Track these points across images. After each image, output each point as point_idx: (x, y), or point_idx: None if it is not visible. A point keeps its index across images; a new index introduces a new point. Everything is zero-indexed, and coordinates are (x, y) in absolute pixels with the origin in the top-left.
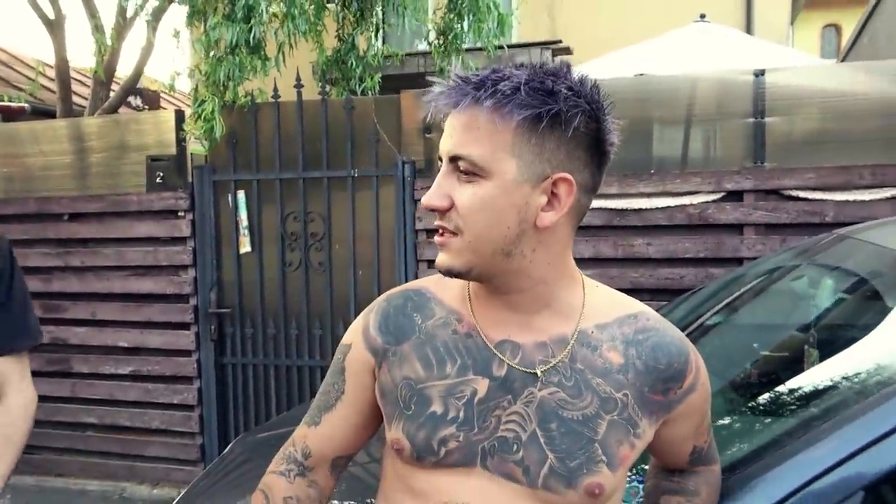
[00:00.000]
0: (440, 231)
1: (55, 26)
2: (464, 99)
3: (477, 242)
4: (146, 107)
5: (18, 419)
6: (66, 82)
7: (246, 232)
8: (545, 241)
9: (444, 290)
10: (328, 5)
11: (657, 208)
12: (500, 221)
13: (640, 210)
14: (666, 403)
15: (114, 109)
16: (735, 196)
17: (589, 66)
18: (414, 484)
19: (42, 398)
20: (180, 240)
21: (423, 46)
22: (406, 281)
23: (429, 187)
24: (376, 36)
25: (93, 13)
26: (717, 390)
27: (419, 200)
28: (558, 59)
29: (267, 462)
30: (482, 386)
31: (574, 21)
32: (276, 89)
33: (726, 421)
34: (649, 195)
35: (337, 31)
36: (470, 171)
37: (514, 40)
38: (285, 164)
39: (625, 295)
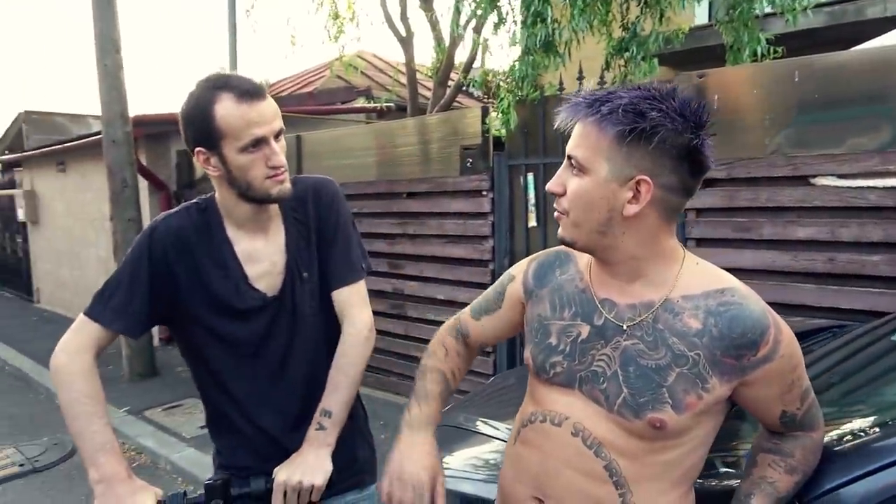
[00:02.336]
0: (555, 209)
1: (406, 41)
2: (578, 115)
3: (578, 221)
4: (486, 97)
5: (350, 347)
6: (414, 86)
7: (533, 209)
8: (633, 228)
9: (582, 255)
10: None
11: None
12: (592, 208)
13: None
14: (739, 367)
15: (448, 105)
16: None
17: None
18: (535, 393)
19: (386, 333)
20: (482, 215)
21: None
22: None
23: None
24: (660, 20)
25: (433, 26)
26: None
27: None
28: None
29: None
30: (585, 330)
31: None
32: (561, 82)
33: None
34: None
35: (622, 20)
36: (577, 167)
37: None
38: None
39: (724, 273)
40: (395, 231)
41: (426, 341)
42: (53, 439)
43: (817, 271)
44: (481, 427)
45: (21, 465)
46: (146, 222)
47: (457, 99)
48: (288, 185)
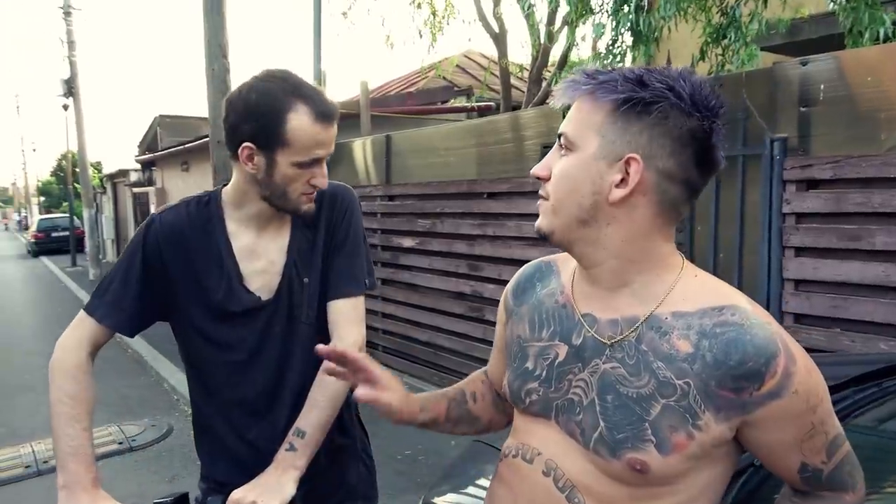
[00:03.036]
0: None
1: (499, 38)
2: (575, 91)
3: (558, 206)
4: None
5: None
6: (507, 84)
7: None
8: (620, 219)
9: (566, 266)
10: None
11: None
12: (575, 190)
13: None
14: (739, 403)
15: (542, 102)
16: None
17: None
18: (515, 423)
19: (465, 337)
20: None
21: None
22: (769, 267)
23: (801, 166)
24: (765, 4)
25: (528, 19)
26: None
27: (788, 181)
28: None
29: None
30: (563, 351)
31: None
32: None
33: None
34: None
35: (721, 5)
36: (565, 146)
37: None
38: None
39: (728, 288)
40: (475, 232)
41: None
42: (152, 421)
43: None
44: None
45: (120, 444)
46: None
47: (548, 96)
48: (314, 205)
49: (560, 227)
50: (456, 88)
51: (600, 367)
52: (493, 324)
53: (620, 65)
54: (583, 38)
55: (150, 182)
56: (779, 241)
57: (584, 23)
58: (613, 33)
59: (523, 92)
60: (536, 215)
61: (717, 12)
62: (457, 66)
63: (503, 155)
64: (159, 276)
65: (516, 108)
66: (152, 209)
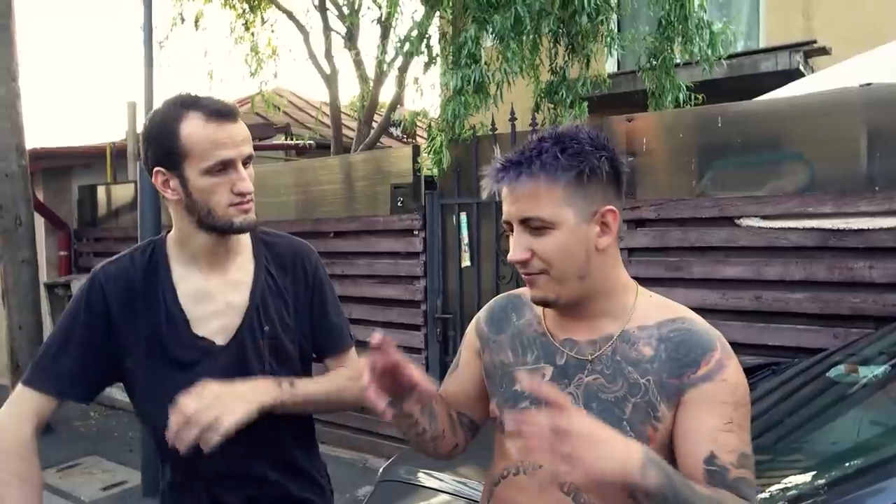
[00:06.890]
0: (526, 274)
1: (330, 79)
2: (518, 175)
3: (561, 275)
4: (406, 137)
5: (355, 372)
6: (338, 124)
7: (467, 248)
8: (603, 260)
9: None
10: (541, 42)
11: (882, 228)
12: (573, 256)
13: (862, 230)
14: (679, 386)
15: (373, 143)
16: None
17: (817, 78)
18: (504, 447)
19: None
20: (414, 254)
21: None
22: None
23: (631, 207)
24: (587, 66)
25: (358, 66)
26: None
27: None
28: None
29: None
30: (548, 371)
31: (833, 16)
32: (493, 123)
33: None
34: (872, 214)
35: (550, 65)
36: (540, 227)
37: (762, 44)
38: None
39: (677, 304)
40: None
41: None
42: None
43: (745, 309)
44: (424, 479)
45: None
46: (42, 263)
47: (379, 139)
48: (253, 215)
49: (566, 291)
50: (275, 126)
51: (584, 380)
52: None
53: (466, 114)
54: (432, 87)
55: None
56: None
57: (425, 73)
58: (459, 84)
59: (350, 137)
60: (387, 253)
61: (548, 71)
62: (273, 105)
63: (349, 194)
64: (106, 334)
65: (347, 149)
66: None
